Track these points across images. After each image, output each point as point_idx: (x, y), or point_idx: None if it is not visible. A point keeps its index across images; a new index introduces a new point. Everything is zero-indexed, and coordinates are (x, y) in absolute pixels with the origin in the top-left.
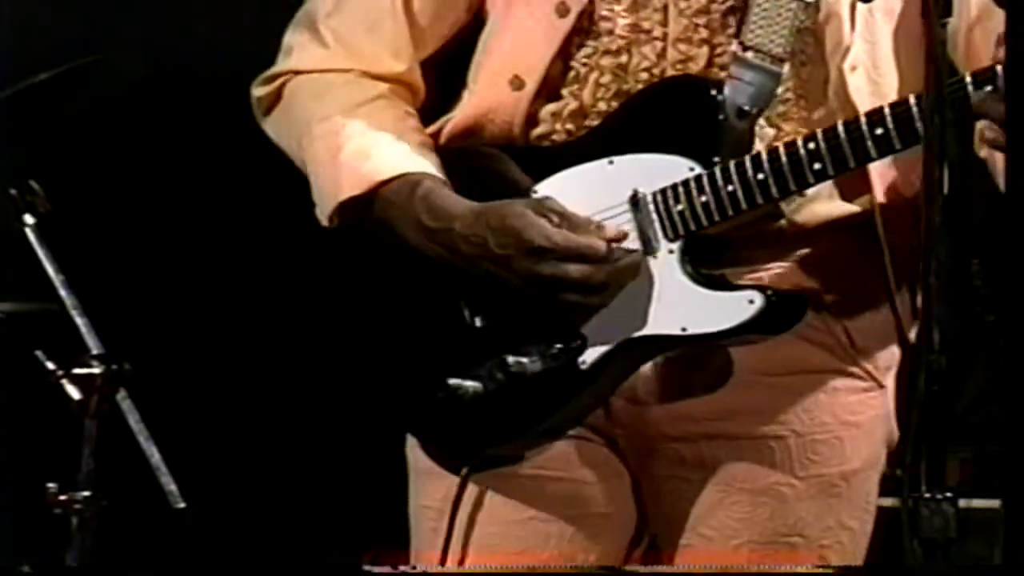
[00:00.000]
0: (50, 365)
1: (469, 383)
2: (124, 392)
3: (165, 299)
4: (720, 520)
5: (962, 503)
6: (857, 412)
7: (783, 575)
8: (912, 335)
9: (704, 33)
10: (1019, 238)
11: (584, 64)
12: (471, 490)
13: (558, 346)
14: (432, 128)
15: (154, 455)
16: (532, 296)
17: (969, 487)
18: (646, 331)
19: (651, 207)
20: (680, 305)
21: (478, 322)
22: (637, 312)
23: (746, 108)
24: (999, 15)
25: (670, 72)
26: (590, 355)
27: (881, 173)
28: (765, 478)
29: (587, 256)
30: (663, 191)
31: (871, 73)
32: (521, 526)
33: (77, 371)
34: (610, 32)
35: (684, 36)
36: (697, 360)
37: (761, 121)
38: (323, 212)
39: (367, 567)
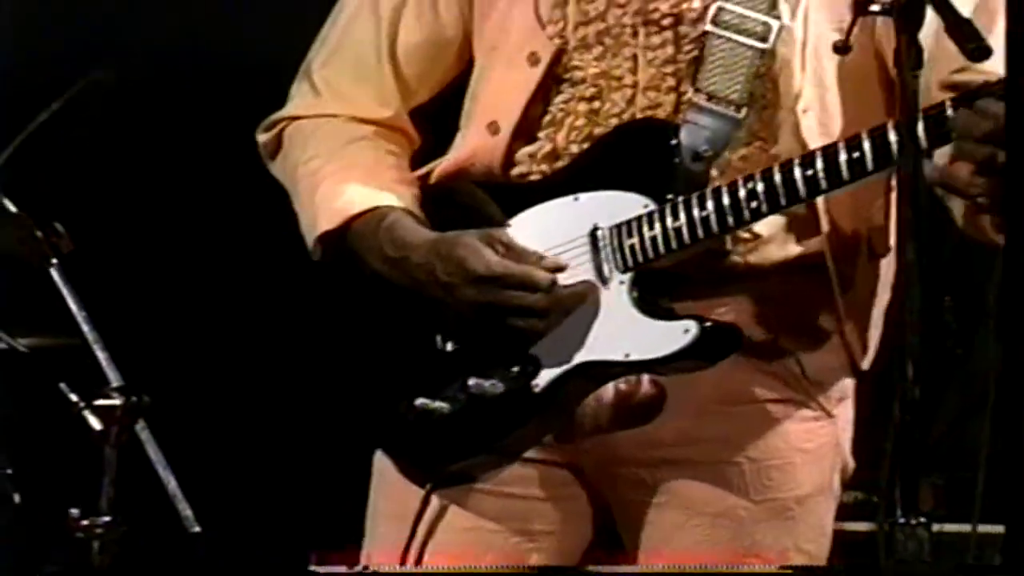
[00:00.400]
0: (73, 397)
1: (437, 404)
2: (142, 422)
3: (181, 335)
4: (682, 542)
5: (935, 527)
6: (808, 440)
7: (747, 575)
8: (864, 364)
9: (671, 81)
10: (1019, 241)
11: (561, 109)
12: (434, 503)
13: (515, 370)
14: (425, 168)
15: (171, 482)
16: (481, 322)
17: (942, 512)
18: (593, 356)
19: (607, 240)
20: (625, 333)
21: (449, 347)
22: (587, 339)
23: (701, 151)
24: (943, 63)
25: (638, 116)
26: (543, 379)
27: (831, 214)
28: (723, 501)
29: (525, 284)
30: (618, 226)
31: (820, 115)
32: (468, 533)
33: (98, 402)
34: (583, 80)
35: (653, 84)
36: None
37: (725, 162)
38: (309, 246)
39: (314, 568)
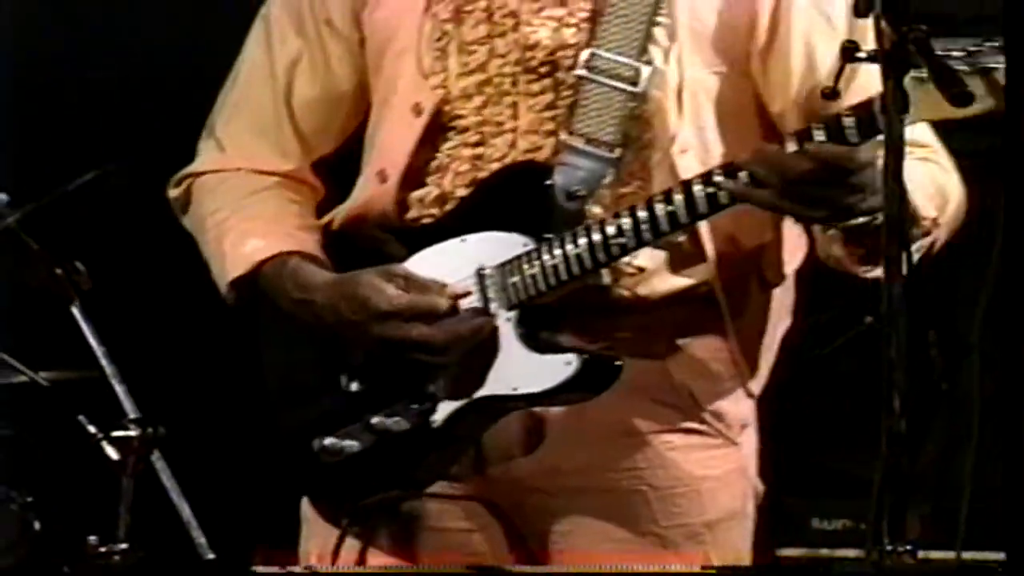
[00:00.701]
0: (91, 428)
1: (345, 443)
2: (158, 453)
3: (194, 368)
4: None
5: (920, 554)
6: (712, 467)
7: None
8: (755, 389)
9: (550, 125)
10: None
11: (447, 155)
12: (351, 540)
13: (415, 407)
14: (328, 216)
15: (185, 510)
16: (388, 358)
17: (928, 540)
18: (486, 391)
19: (492, 280)
20: (514, 367)
21: (354, 387)
22: (480, 374)
23: (574, 190)
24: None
25: (519, 159)
26: (440, 414)
27: (716, 246)
28: (631, 528)
29: (429, 316)
30: (501, 265)
31: (700, 154)
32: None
33: (115, 434)
34: (467, 128)
35: (532, 128)
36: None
37: (608, 200)
38: (222, 293)
39: (256, 568)
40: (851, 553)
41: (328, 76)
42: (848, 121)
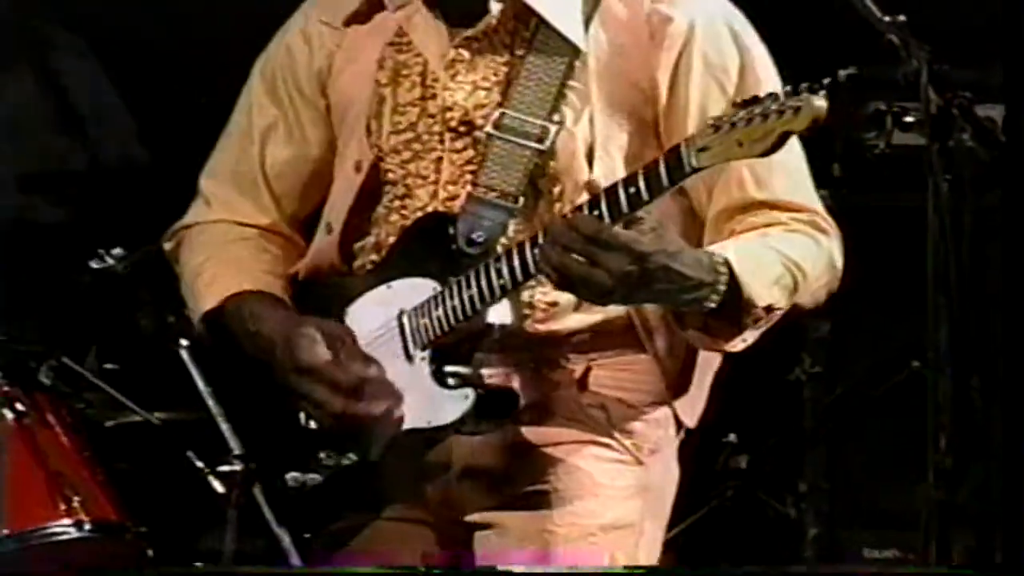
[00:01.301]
0: (199, 463)
1: (308, 476)
2: (259, 486)
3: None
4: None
5: None
6: (612, 478)
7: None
8: (689, 422)
9: (469, 177)
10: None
11: (384, 207)
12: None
13: (356, 442)
14: (294, 268)
15: (285, 539)
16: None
17: (971, 566)
18: (408, 424)
19: (408, 322)
20: (426, 402)
21: (312, 424)
22: (405, 410)
23: (475, 237)
24: (722, 193)
25: (440, 209)
26: (376, 448)
27: None
28: (533, 525)
29: (334, 385)
30: (416, 308)
31: None
32: None
33: (221, 468)
34: (395, 182)
35: (452, 179)
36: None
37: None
38: (197, 330)
39: None
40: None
41: (301, 141)
42: (620, 190)
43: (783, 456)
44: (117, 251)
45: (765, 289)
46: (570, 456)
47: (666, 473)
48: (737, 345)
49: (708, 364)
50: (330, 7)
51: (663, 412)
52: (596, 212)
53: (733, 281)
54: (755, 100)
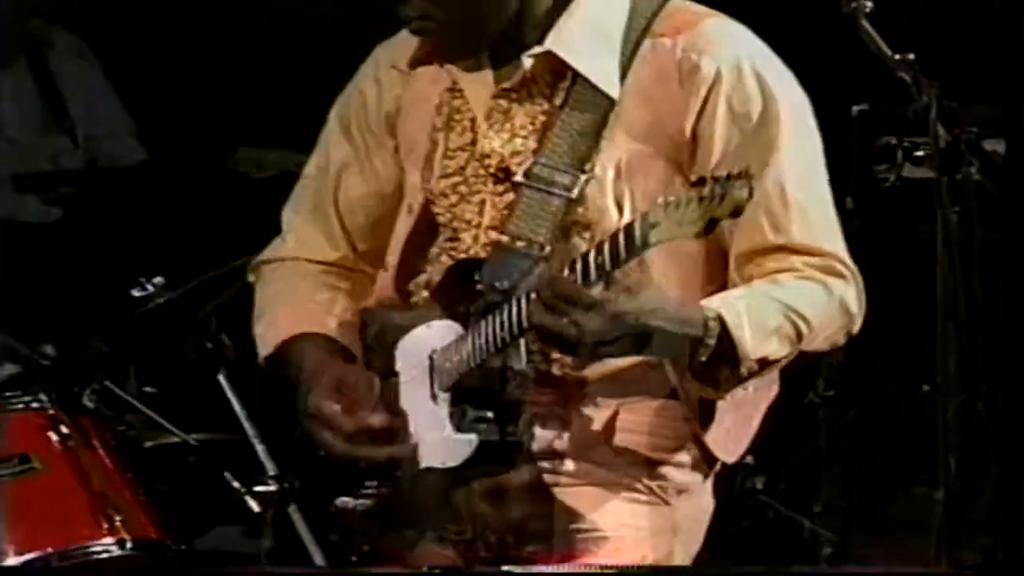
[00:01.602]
0: (235, 484)
1: (357, 501)
2: (294, 505)
3: None
4: None
5: None
6: (638, 519)
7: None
8: (728, 458)
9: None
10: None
11: (437, 248)
12: None
13: (393, 473)
14: (366, 301)
15: (318, 556)
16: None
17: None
18: (427, 463)
19: (436, 363)
20: (443, 443)
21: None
22: (428, 448)
23: (498, 284)
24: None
25: (480, 253)
26: (405, 480)
27: None
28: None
29: (336, 431)
30: (443, 349)
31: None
32: None
33: (257, 488)
34: (445, 224)
35: (493, 224)
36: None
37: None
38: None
39: None
40: None
41: (373, 179)
42: (591, 257)
43: (799, 477)
44: (158, 280)
45: (761, 341)
46: (595, 498)
47: (697, 510)
48: (738, 394)
49: (754, 403)
50: (399, 53)
51: (692, 454)
52: (572, 276)
53: (726, 334)
54: (700, 182)
